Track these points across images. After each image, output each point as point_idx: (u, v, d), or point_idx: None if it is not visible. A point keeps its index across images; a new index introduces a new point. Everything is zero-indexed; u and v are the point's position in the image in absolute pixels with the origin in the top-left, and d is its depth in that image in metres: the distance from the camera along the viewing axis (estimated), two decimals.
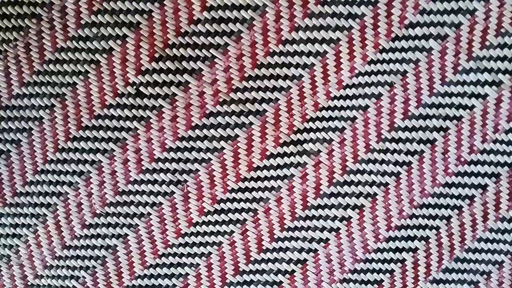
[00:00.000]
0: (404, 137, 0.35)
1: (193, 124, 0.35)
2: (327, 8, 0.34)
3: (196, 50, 0.34)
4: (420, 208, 0.36)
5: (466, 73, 0.34)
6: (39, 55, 0.35)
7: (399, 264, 0.37)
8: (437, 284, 0.37)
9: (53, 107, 0.35)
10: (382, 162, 0.35)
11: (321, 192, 0.36)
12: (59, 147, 0.36)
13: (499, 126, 0.35)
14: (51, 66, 0.35)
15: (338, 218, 0.36)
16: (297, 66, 0.34)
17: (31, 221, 0.36)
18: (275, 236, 0.36)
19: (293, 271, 0.37)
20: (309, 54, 0.34)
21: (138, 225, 0.36)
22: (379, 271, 0.37)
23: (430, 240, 0.36)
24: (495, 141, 0.35)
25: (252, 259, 0.37)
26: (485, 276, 0.37)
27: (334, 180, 0.36)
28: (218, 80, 0.35)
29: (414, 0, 0.33)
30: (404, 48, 0.34)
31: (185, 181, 0.36)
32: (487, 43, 0.34)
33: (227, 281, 0.37)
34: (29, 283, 0.37)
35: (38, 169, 0.36)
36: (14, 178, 0.36)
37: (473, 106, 0.35)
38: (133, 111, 0.35)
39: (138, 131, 0.35)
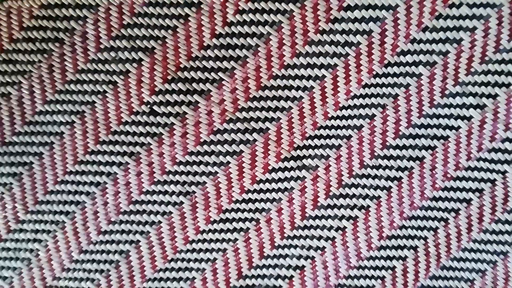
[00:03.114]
0: (395, 154, 0.37)
1: (201, 140, 0.38)
2: (325, 37, 0.36)
3: (206, 73, 0.37)
4: (409, 220, 0.38)
5: (453, 97, 0.36)
6: (61, 76, 0.37)
7: (389, 271, 0.39)
8: None
9: (73, 123, 0.38)
10: (375, 177, 0.38)
11: (319, 204, 0.38)
12: (78, 159, 0.38)
13: (482, 145, 0.37)
14: (72, 86, 0.37)
15: (334, 228, 0.38)
16: (297, 88, 0.37)
17: (51, 227, 0.39)
18: (276, 244, 0.39)
19: (292, 276, 0.39)
20: (308, 78, 0.37)
21: (150, 232, 0.39)
22: (371, 277, 0.39)
23: (418, 249, 0.38)
24: (478, 159, 0.37)
25: (254, 264, 0.39)
26: (469, 283, 0.39)
27: (331, 193, 0.38)
28: (225, 100, 0.37)
29: (405, 30, 0.36)
30: (396, 74, 0.36)
31: (193, 192, 0.38)
32: (472, 70, 0.36)
33: (231, 285, 0.39)
34: (47, 285, 0.40)
35: (58, 179, 0.38)
36: (36, 188, 0.38)
37: (459, 127, 0.37)
38: (147, 127, 0.37)
39: (151, 146, 0.38)
